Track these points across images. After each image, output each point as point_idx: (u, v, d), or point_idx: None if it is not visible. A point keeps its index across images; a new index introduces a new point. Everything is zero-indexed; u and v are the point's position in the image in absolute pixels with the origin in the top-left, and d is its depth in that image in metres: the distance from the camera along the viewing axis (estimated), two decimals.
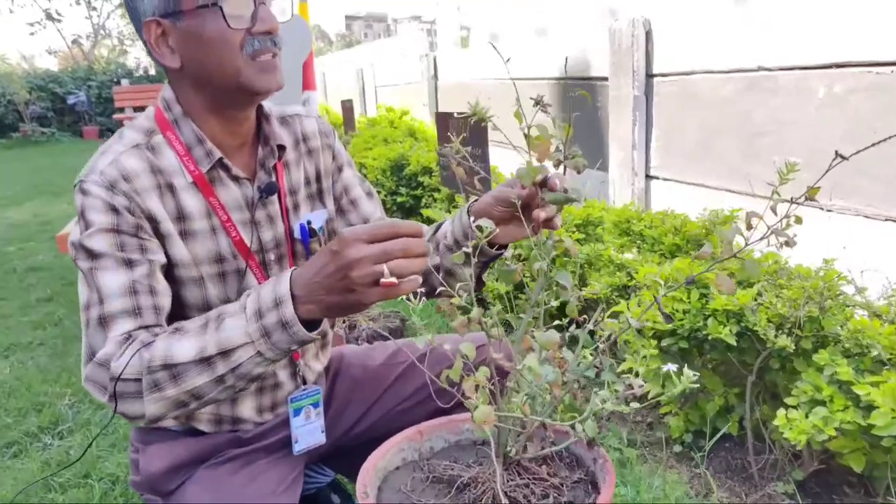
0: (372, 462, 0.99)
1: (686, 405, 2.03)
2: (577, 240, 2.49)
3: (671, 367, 0.81)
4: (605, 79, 3.45)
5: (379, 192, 4.37)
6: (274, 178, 1.20)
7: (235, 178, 1.16)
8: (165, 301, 1.07)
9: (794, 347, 1.57)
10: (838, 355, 1.56)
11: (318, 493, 1.87)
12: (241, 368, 0.96)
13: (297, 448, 1.29)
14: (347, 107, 6.02)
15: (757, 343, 1.75)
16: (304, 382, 1.32)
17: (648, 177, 3.29)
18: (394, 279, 0.85)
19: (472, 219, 1.14)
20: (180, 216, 1.11)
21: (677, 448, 2.04)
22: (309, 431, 1.31)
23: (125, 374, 0.96)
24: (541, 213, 1.03)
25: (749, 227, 0.79)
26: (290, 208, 1.24)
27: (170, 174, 1.10)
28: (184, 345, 0.96)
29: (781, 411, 1.58)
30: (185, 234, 1.11)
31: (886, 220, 2.19)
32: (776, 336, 1.65)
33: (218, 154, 1.12)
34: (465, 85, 5.65)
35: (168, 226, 1.09)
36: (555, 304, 0.97)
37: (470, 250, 0.90)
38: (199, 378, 0.96)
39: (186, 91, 1.11)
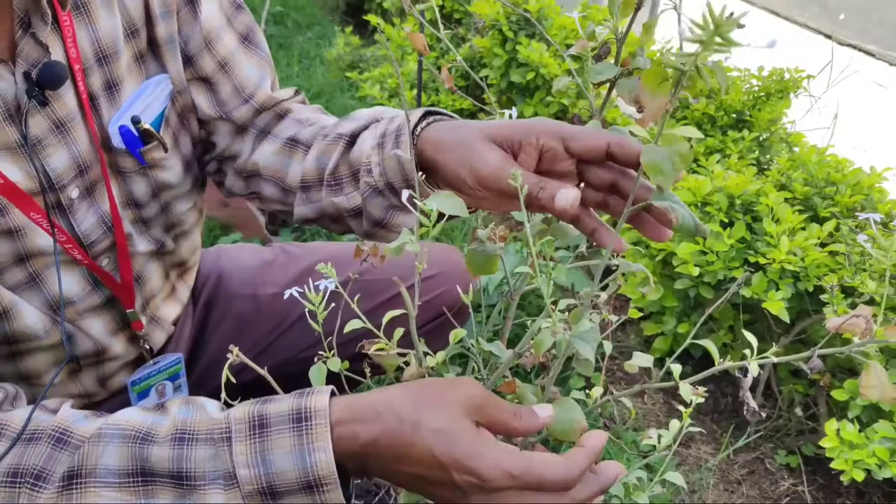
0: None
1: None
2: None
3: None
4: None
5: None
6: (61, 52, 0.68)
7: None
8: None
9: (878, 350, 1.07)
10: None
11: None
12: None
13: None
14: None
15: (809, 301, 1.25)
16: (152, 353, 0.88)
17: None
18: None
19: (422, 175, 0.64)
20: None
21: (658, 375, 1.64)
22: None
23: None
24: (594, 225, 0.59)
25: None
26: (98, 96, 0.72)
27: None
28: None
29: (832, 424, 1.13)
30: None
31: None
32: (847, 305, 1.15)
33: None
34: None
35: None
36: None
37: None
38: None
39: None
